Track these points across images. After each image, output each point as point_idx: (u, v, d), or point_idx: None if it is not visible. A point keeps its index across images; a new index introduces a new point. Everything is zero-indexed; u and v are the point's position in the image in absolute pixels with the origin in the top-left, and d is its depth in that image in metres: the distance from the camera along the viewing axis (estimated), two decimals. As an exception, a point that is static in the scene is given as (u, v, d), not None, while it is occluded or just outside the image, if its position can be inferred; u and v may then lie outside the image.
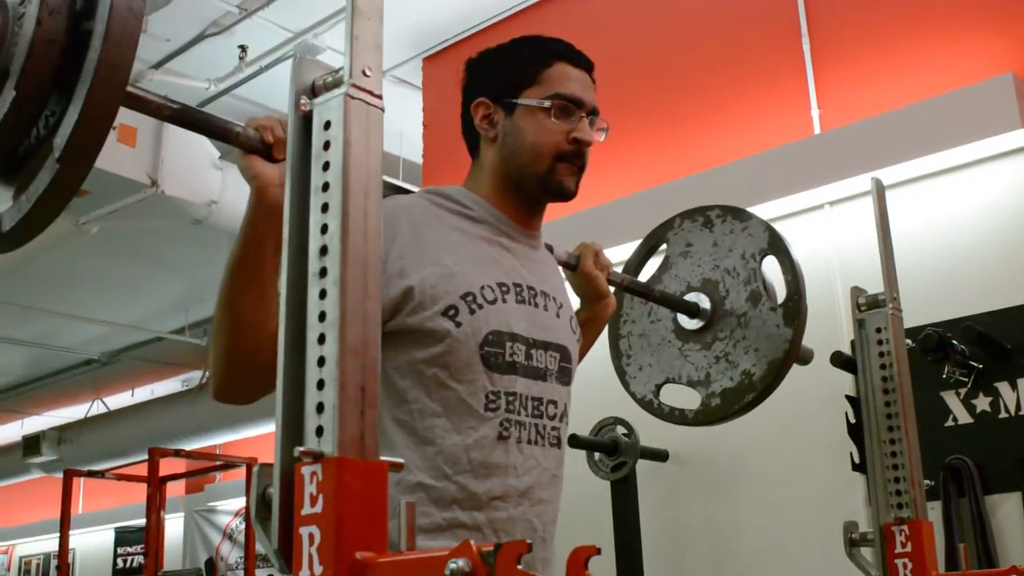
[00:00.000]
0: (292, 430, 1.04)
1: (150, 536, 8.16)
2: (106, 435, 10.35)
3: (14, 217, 1.17)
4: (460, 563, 0.89)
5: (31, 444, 10.88)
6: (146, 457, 8.36)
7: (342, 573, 0.96)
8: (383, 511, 1.01)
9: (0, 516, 12.98)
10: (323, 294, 1.03)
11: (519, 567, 0.86)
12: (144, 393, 11.37)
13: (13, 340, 9.85)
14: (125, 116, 5.09)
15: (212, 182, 5.31)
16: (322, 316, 1.03)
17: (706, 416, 2.38)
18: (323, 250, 1.04)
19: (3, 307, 8.43)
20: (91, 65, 1.10)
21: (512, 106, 1.82)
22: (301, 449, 1.00)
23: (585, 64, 1.88)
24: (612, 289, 2.11)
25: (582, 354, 2.06)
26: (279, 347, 1.07)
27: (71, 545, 8.85)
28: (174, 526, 10.13)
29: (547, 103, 1.79)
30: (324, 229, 1.05)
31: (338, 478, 0.98)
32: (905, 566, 1.98)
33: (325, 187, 1.06)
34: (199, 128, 1.47)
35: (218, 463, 8.93)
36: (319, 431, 1.01)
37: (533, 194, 1.84)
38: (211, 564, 10.11)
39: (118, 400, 11.55)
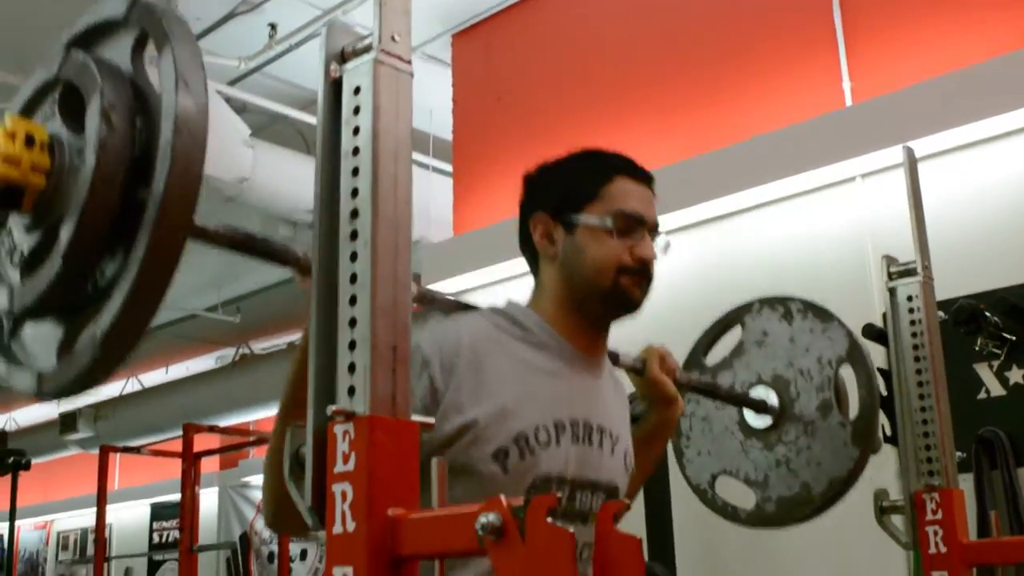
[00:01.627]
0: (324, 390, 1.05)
1: (185, 511, 8.23)
2: (141, 412, 10.43)
3: (56, 381, 1.11)
4: (490, 517, 0.90)
5: (68, 421, 10.98)
6: (181, 433, 8.42)
7: (375, 529, 0.97)
8: (414, 469, 1.02)
9: (38, 492, 13.10)
10: (354, 256, 1.04)
11: (548, 520, 0.87)
12: (178, 370, 11.44)
13: (49, 318, 9.93)
14: (157, 94, 5.13)
15: (243, 160, 5.32)
16: (353, 278, 1.04)
17: (759, 520, 2.33)
18: (354, 213, 1.05)
19: (39, 285, 8.50)
20: (152, 215, 1.02)
21: (572, 223, 1.76)
22: (334, 408, 1.01)
23: (645, 178, 1.84)
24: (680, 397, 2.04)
25: (652, 463, 2.03)
26: (312, 312, 1.08)
27: (108, 520, 8.93)
28: (208, 501, 10.18)
29: (608, 222, 1.74)
30: (355, 192, 1.06)
31: (370, 436, 0.99)
32: (936, 533, 1.98)
33: (355, 151, 1.07)
34: (262, 254, 1.38)
35: (252, 439, 8.97)
36: (351, 391, 1.02)
37: (597, 313, 1.79)
38: (245, 538, 10.19)
39: (153, 377, 11.64)
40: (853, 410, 2.26)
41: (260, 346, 10.28)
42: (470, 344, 1.65)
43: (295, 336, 9.38)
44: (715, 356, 2.46)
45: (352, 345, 1.02)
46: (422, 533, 0.97)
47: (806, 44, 3.99)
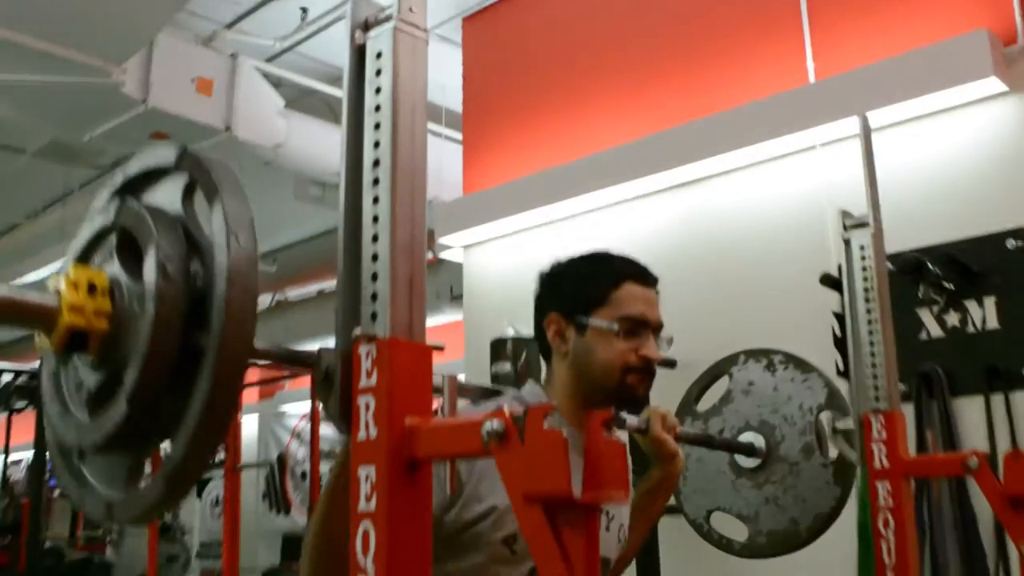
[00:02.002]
0: (350, 316, 1.06)
1: (229, 435, 8.27)
2: (190, 350, 10.49)
3: (125, 511, 1.07)
4: (495, 424, 0.92)
5: (126, 357, 11.02)
6: (225, 368, 8.45)
7: (394, 435, 0.99)
8: (428, 385, 1.03)
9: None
10: (376, 200, 1.05)
11: (544, 425, 0.88)
12: (222, 314, 11.47)
13: (109, 268, 9.95)
14: (204, 69, 5.10)
15: (278, 127, 5.31)
16: (375, 218, 1.05)
17: (751, 552, 2.29)
18: (376, 162, 1.06)
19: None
20: (211, 356, 0.98)
21: (583, 325, 1.74)
22: (359, 331, 1.02)
23: (651, 282, 1.82)
24: (682, 450, 2.00)
25: (657, 513, 2.01)
26: (340, 247, 1.09)
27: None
28: (250, 427, 10.27)
29: (615, 326, 1.72)
30: (376, 144, 1.06)
31: (390, 356, 1.00)
32: (880, 450, 2.00)
33: (377, 108, 1.07)
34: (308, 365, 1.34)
35: (286, 373, 9.01)
36: (373, 316, 1.03)
37: (604, 406, 1.70)
38: (282, 459, 10.29)
39: (200, 320, 11.67)
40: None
41: (293, 293, 10.30)
42: None
43: (325, 284, 9.40)
44: (706, 403, 2.43)
45: (374, 277, 1.03)
46: (435, 439, 0.98)
47: (774, 26, 3.96)
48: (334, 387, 1.05)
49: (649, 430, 1.88)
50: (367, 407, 1.00)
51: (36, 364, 6.70)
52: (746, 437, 2.30)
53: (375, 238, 1.04)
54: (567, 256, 1.84)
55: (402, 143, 1.06)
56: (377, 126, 1.07)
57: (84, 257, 1.12)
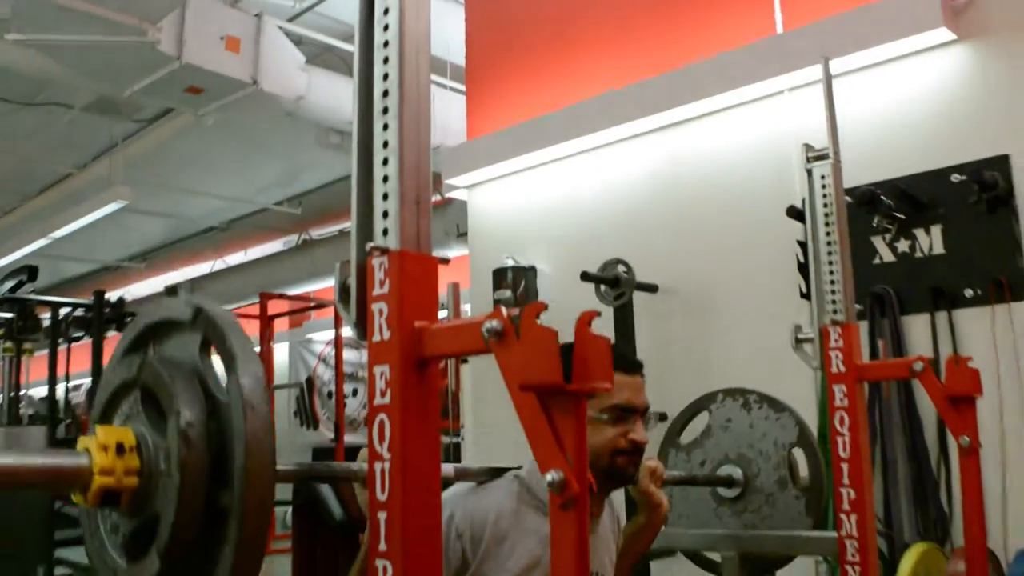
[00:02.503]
0: (364, 232, 1.06)
1: (262, 360, 8.34)
2: (227, 284, 10.50)
3: None
4: (494, 323, 0.92)
5: (171, 293, 11.02)
6: (258, 300, 8.49)
7: (405, 336, 0.99)
8: (434, 292, 1.03)
9: (149, 347, 13.22)
10: (385, 127, 1.05)
11: (537, 322, 0.88)
12: (255, 252, 11.47)
13: (153, 212, 9.94)
14: (232, 28, 5.03)
15: (300, 81, 5.25)
16: (385, 144, 1.04)
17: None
18: (385, 93, 1.05)
19: (145, 186, 8.48)
20: (227, 561, 0.97)
21: None
22: (371, 245, 1.02)
23: (636, 369, 1.79)
24: (666, 498, 2.01)
25: (640, 552, 2.00)
26: (354, 170, 1.08)
27: None
28: (281, 353, 10.33)
29: (604, 416, 1.71)
30: (386, 76, 1.06)
31: (400, 266, 1.00)
32: (837, 357, 2.02)
33: (386, 44, 1.06)
34: (330, 480, 1.29)
35: (313, 304, 9.04)
36: (385, 232, 1.03)
37: (597, 486, 1.68)
38: (310, 381, 10.35)
39: (235, 258, 11.67)
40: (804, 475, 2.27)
41: (317, 232, 10.30)
42: (495, 521, 1.63)
43: (345, 224, 9.38)
44: (688, 436, 2.43)
45: (385, 196, 1.03)
46: (441, 338, 0.99)
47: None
48: (352, 296, 1.06)
49: (639, 482, 1.89)
50: (380, 312, 1.01)
51: (91, 299, 6.71)
52: (725, 469, 2.31)
53: (385, 161, 1.04)
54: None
55: (408, 77, 1.05)
56: (386, 60, 1.06)
57: (108, 408, 1.09)
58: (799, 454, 2.27)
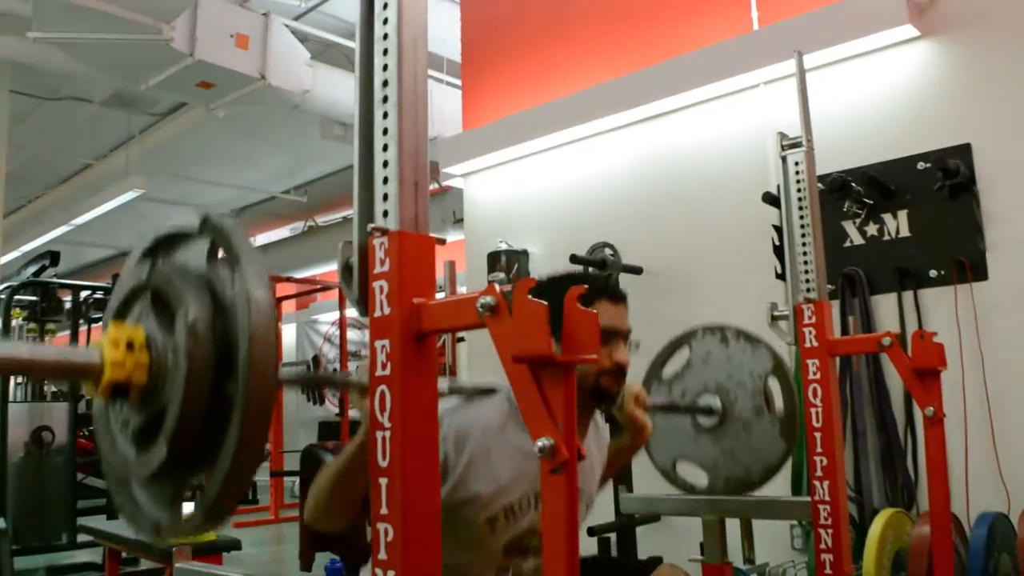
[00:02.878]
0: (366, 214, 1.05)
1: (272, 339, 8.32)
2: (238, 268, 10.49)
3: (171, 531, 1.06)
4: (488, 299, 0.92)
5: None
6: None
7: (404, 312, 0.99)
8: (432, 270, 1.03)
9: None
10: (385, 115, 1.04)
11: (529, 297, 0.88)
12: (263, 238, 11.45)
13: (168, 200, 9.89)
14: (241, 26, 4.99)
15: (305, 76, 5.22)
16: (385, 131, 1.03)
17: (712, 493, 2.30)
18: (385, 83, 1.04)
19: (158, 175, 8.44)
20: (239, 414, 0.95)
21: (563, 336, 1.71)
22: (372, 226, 1.01)
23: (620, 298, 1.76)
24: (650, 421, 1.98)
25: (622, 465, 1.99)
26: (356, 156, 1.07)
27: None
28: (288, 333, 10.33)
29: None
30: (385, 67, 1.04)
31: (399, 246, 1.00)
32: (810, 332, 2.02)
33: (385, 37, 1.05)
34: (329, 384, 1.30)
35: (318, 287, 9.03)
36: (385, 214, 1.02)
37: (583, 404, 1.68)
38: (316, 359, 10.34)
39: (245, 244, 11.65)
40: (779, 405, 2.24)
41: (322, 219, 10.27)
42: (482, 434, 1.60)
43: (349, 211, 9.35)
44: (670, 369, 2.41)
45: (385, 180, 1.02)
46: (438, 314, 0.98)
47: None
48: (354, 274, 1.05)
49: (624, 406, 1.88)
50: (381, 290, 1.00)
51: (109, 282, 6.68)
52: (705, 399, 2.30)
53: (385, 147, 1.03)
54: (548, 277, 1.77)
55: (406, 68, 1.04)
56: (385, 52, 1.05)
57: (121, 311, 1.08)
58: (774, 384, 2.25)
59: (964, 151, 3.05)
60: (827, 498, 1.95)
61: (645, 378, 2.34)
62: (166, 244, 1.10)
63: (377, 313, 1.00)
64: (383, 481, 0.98)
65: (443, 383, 1.47)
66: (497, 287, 0.91)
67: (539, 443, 0.88)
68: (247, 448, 0.94)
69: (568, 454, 0.87)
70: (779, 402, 2.22)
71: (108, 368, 0.97)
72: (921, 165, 3.14)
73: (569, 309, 0.91)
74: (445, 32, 5.31)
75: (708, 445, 2.29)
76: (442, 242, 1.05)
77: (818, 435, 1.99)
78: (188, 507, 1.03)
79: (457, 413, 1.63)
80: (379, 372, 1.00)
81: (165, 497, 1.05)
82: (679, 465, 2.36)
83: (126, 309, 1.08)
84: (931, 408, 1.97)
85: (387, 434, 0.98)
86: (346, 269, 1.07)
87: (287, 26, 5.22)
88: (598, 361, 1.67)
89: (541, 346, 0.86)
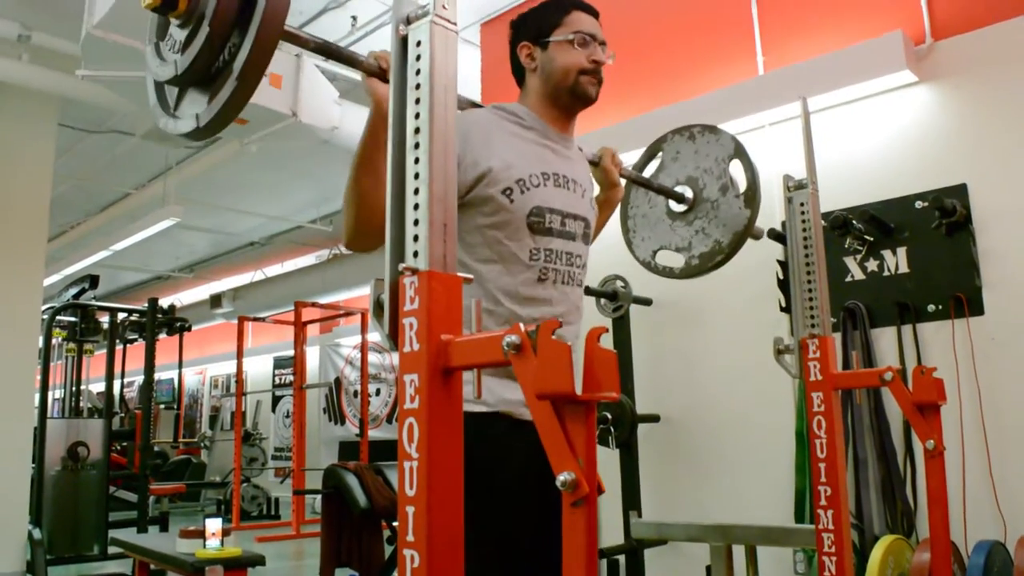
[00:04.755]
0: (397, 254, 1.05)
1: (296, 362, 8.35)
2: (266, 293, 10.52)
3: (208, 115, 1.19)
4: (513, 338, 0.91)
5: (215, 300, 11.09)
6: (293, 308, 8.50)
7: (432, 348, 0.98)
8: (459, 308, 1.02)
9: (196, 349, 13.28)
10: (416, 160, 1.04)
11: (552, 337, 0.87)
12: (291, 265, 11.50)
13: (201, 228, 9.97)
14: (275, 67, 5.03)
15: (334, 113, 5.25)
16: (416, 175, 1.03)
17: (687, 272, 2.33)
18: (416, 130, 1.04)
19: (195, 205, 8.51)
20: (259, 11, 1.12)
21: (546, 44, 1.76)
22: (403, 266, 1.01)
23: (593, 12, 1.82)
24: (623, 181, 2.07)
25: (599, 227, 2.03)
26: (387, 198, 1.08)
27: (244, 368, 9.07)
28: (312, 355, 10.33)
29: (571, 36, 1.74)
30: (417, 115, 1.05)
31: (428, 285, 0.99)
32: (815, 367, 1.99)
33: (417, 87, 1.06)
34: (334, 56, 1.42)
35: (341, 312, 9.05)
36: (415, 254, 1.02)
37: (566, 103, 1.77)
38: (338, 380, 10.35)
39: (272, 270, 11.71)
40: (742, 187, 2.27)
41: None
42: (478, 125, 1.67)
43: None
44: (645, 175, 2.45)
45: (416, 222, 1.02)
46: (465, 350, 0.98)
47: (730, 32, 3.89)
48: (385, 311, 1.05)
49: (601, 161, 1.98)
50: (411, 326, 1.00)
51: (144, 305, 6.71)
52: (677, 190, 2.34)
53: (416, 191, 1.03)
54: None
55: (437, 114, 1.04)
56: (417, 101, 1.05)
57: None
58: (737, 165, 2.28)
59: (960, 191, 3.04)
60: (831, 526, 1.92)
61: (624, 186, 2.35)
62: None
63: (407, 348, 1.00)
64: (410, 509, 0.97)
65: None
66: (521, 326, 0.91)
67: (561, 477, 0.87)
68: (268, 30, 1.12)
69: (589, 488, 0.86)
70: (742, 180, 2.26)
71: None
72: (919, 204, 3.13)
73: (589, 348, 0.90)
74: (464, 74, 5.35)
75: (682, 229, 2.33)
76: (469, 280, 1.05)
77: (822, 465, 1.97)
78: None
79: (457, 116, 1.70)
80: (408, 405, 0.99)
81: (203, 96, 1.21)
82: (658, 255, 2.41)
83: None
84: (931, 441, 1.94)
85: (415, 464, 0.97)
86: (377, 305, 1.07)
87: (317, 66, 5.26)
88: (578, 62, 1.75)
89: (564, 385, 0.86)
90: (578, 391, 0.87)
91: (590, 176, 1.93)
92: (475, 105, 1.77)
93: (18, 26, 5.16)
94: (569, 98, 1.77)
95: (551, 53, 1.76)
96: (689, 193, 2.33)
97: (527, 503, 1.58)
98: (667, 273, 2.41)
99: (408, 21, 1.09)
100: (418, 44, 1.06)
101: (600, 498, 0.95)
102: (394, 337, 1.02)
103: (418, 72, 1.05)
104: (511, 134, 1.71)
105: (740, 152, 2.27)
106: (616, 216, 2.38)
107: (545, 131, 1.77)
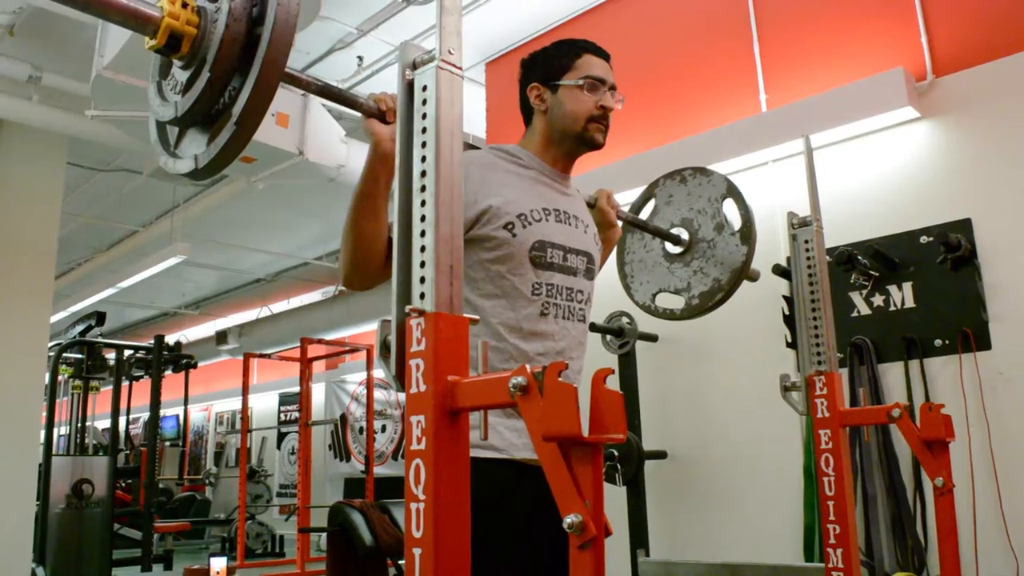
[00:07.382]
0: (404, 295, 1.06)
1: (302, 398, 8.31)
2: (271, 330, 10.52)
3: (206, 157, 1.21)
4: (519, 379, 0.91)
5: (221, 336, 11.08)
6: (299, 344, 8.49)
7: (439, 389, 0.98)
8: (465, 350, 1.03)
9: (202, 386, 13.26)
10: (423, 203, 1.05)
11: (559, 379, 0.88)
12: (296, 301, 11.52)
13: (208, 265, 10.01)
14: (282, 106, 5.09)
15: (340, 152, 5.30)
16: (423, 218, 1.04)
17: (689, 312, 2.34)
18: (423, 173, 1.06)
19: (202, 243, 8.56)
20: (260, 56, 1.14)
21: (556, 87, 1.78)
22: (410, 307, 1.02)
23: (605, 55, 1.84)
24: (620, 223, 2.09)
25: (599, 266, 2.04)
26: (395, 241, 1.09)
27: (250, 404, 9.04)
28: (318, 393, 10.31)
29: (581, 82, 1.76)
30: (424, 159, 1.06)
31: (435, 327, 1.00)
32: (822, 403, 1.99)
33: (424, 130, 1.07)
34: (335, 99, 1.46)
35: (347, 348, 9.03)
36: (422, 295, 1.02)
37: (571, 148, 1.79)
38: (343, 417, 10.31)
39: (279, 306, 11.72)
40: (737, 225, 2.29)
41: (353, 284, 10.31)
42: (477, 164, 1.69)
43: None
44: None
45: (423, 264, 1.03)
46: (471, 392, 0.98)
47: (734, 69, 3.94)
48: (392, 352, 1.05)
49: (597, 202, 2.00)
50: (417, 367, 1.00)
51: (151, 342, 6.73)
52: (673, 232, 2.36)
53: (423, 233, 1.04)
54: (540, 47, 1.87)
55: (443, 158, 1.05)
56: (424, 144, 1.06)
57: None
58: (730, 204, 2.30)
59: (964, 226, 3.05)
60: (841, 565, 1.90)
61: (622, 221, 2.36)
62: None
63: (413, 389, 1.00)
64: (417, 551, 0.97)
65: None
66: (528, 368, 0.91)
67: (568, 519, 0.87)
68: (269, 72, 1.14)
69: (596, 531, 0.86)
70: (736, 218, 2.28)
71: (167, 17, 1.16)
72: (924, 239, 3.14)
73: (596, 390, 0.90)
74: (469, 110, 5.40)
75: (680, 271, 2.34)
76: (475, 321, 1.06)
77: (831, 503, 1.95)
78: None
79: None
80: (414, 446, 0.99)
81: (202, 136, 1.23)
82: (657, 298, 2.42)
83: None
84: (940, 478, 1.93)
85: (421, 505, 0.97)
86: (384, 346, 1.07)
87: (324, 106, 5.33)
88: (588, 108, 1.76)
89: (570, 427, 0.86)
90: (585, 433, 0.87)
91: (590, 216, 1.93)
92: (472, 147, 1.79)
93: (29, 67, 5.24)
94: (575, 143, 1.79)
95: (560, 97, 1.78)
96: (685, 235, 2.34)
97: (535, 545, 1.57)
98: (668, 315, 2.42)
99: (415, 66, 1.11)
100: (424, 88, 1.08)
101: (607, 537, 0.95)
102: (401, 378, 1.03)
103: (424, 116, 1.07)
104: (510, 172, 1.73)
105: (733, 191, 2.29)
106: (612, 260, 2.40)
107: (544, 170, 1.79)
